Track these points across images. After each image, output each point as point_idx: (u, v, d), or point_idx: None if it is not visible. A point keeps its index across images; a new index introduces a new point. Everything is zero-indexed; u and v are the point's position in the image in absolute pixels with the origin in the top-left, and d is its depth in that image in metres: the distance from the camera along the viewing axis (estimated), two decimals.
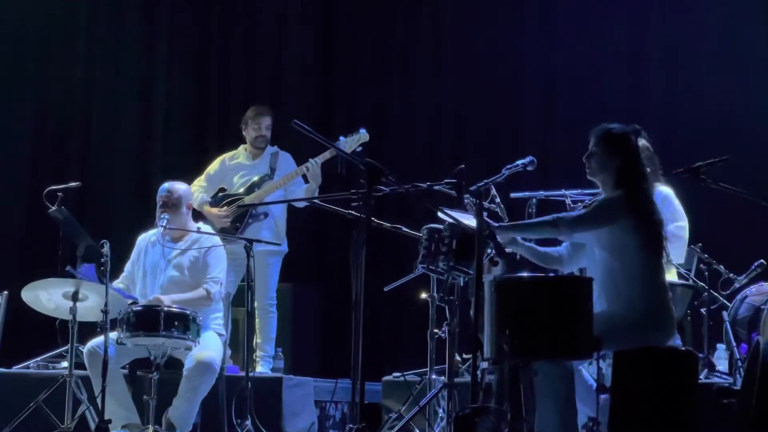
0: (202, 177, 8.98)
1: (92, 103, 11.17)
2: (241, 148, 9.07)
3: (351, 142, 8.41)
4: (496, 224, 6.06)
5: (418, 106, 10.54)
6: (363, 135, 8.50)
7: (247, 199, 8.70)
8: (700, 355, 7.32)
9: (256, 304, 8.66)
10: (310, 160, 8.61)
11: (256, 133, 8.95)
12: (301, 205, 8.78)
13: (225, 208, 8.75)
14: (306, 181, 8.72)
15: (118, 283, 7.81)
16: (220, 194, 8.88)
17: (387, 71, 10.72)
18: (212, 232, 8.02)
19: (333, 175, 8.47)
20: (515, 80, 10.36)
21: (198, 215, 8.19)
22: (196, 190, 8.80)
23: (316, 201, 7.96)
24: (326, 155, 8.55)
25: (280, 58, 10.97)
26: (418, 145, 10.43)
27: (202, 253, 7.74)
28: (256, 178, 8.86)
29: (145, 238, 7.93)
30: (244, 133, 9.03)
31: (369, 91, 10.69)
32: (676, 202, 7.54)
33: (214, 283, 7.68)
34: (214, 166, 9.03)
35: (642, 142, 6.29)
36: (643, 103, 9.82)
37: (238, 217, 8.72)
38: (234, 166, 8.99)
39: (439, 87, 10.51)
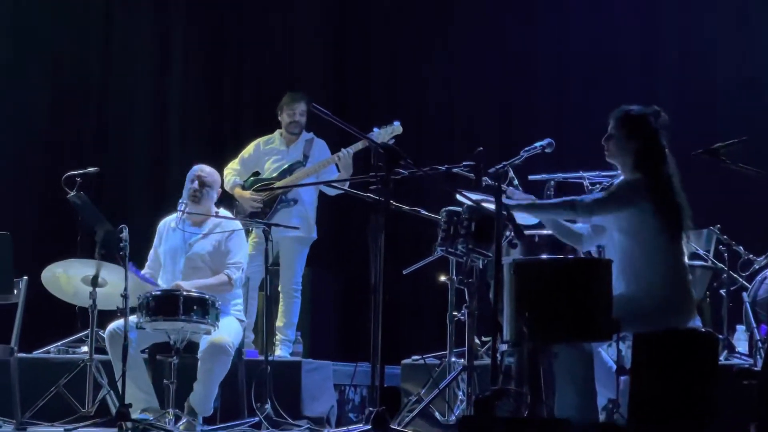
0: (236, 160, 8.98)
1: (108, 89, 11.18)
2: (277, 133, 9.05)
3: (384, 134, 8.34)
4: (515, 201, 6.05)
5: (432, 90, 10.52)
6: (397, 127, 8.43)
7: (279, 184, 8.69)
8: (720, 336, 7.32)
9: (280, 288, 8.71)
10: (343, 149, 8.58)
11: (290, 119, 8.93)
12: (332, 193, 8.76)
13: (257, 193, 8.74)
14: (339, 169, 8.70)
15: (145, 271, 7.83)
16: (252, 178, 8.88)
17: (401, 55, 10.70)
18: (231, 216, 8.03)
19: (358, 160, 8.48)
20: (530, 62, 10.34)
21: (221, 199, 8.20)
22: (228, 173, 8.83)
23: (335, 185, 7.98)
24: (359, 145, 8.51)
25: (294, 41, 10.95)
26: (433, 129, 10.42)
27: (223, 238, 7.76)
28: (288, 164, 8.85)
29: (166, 222, 7.94)
30: (279, 118, 9.01)
31: (383, 75, 10.68)
32: None
33: (236, 269, 7.70)
34: (248, 150, 9.02)
35: None
36: (659, 83, 9.79)
37: (268, 202, 8.72)
38: (268, 151, 8.97)
39: (454, 70, 10.49)
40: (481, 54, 10.43)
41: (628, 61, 9.97)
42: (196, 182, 7.78)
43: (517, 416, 5.40)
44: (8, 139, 10.95)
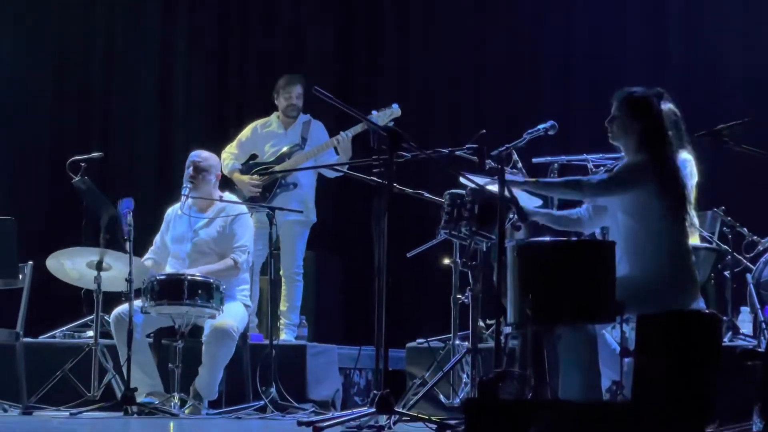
0: (234, 144, 8.96)
1: (113, 74, 11.18)
2: (274, 115, 9.04)
3: (383, 117, 8.31)
4: (521, 179, 6.04)
5: (437, 72, 10.51)
6: (395, 110, 8.41)
7: (278, 168, 8.68)
8: (724, 318, 7.31)
9: (282, 273, 8.71)
10: (341, 133, 8.58)
11: (287, 102, 8.93)
12: (331, 175, 8.77)
13: (256, 176, 8.74)
14: (337, 153, 8.70)
15: (147, 257, 7.84)
16: (251, 162, 8.87)
17: (406, 37, 10.69)
18: (236, 200, 8.04)
19: (356, 143, 8.48)
20: (535, 44, 10.32)
21: (224, 184, 8.21)
22: (226, 157, 8.81)
23: (338, 168, 7.97)
24: (358, 129, 8.50)
25: (300, 24, 10.94)
26: (438, 111, 10.41)
27: (228, 222, 7.76)
28: (286, 148, 8.84)
29: (174, 210, 7.95)
30: (276, 101, 9.01)
31: (389, 58, 10.66)
32: (689, 168, 7.39)
33: (241, 252, 7.71)
34: (245, 133, 9.00)
35: (668, 106, 6.25)
36: (664, 66, 9.77)
37: (267, 187, 8.72)
38: (266, 134, 8.96)
39: (459, 52, 10.47)
40: (485, 36, 10.42)
41: (633, 43, 9.95)
42: (191, 168, 7.78)
43: (521, 398, 5.41)
44: (13, 124, 10.96)
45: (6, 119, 10.94)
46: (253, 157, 8.90)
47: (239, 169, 8.82)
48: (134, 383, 7.12)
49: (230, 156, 8.85)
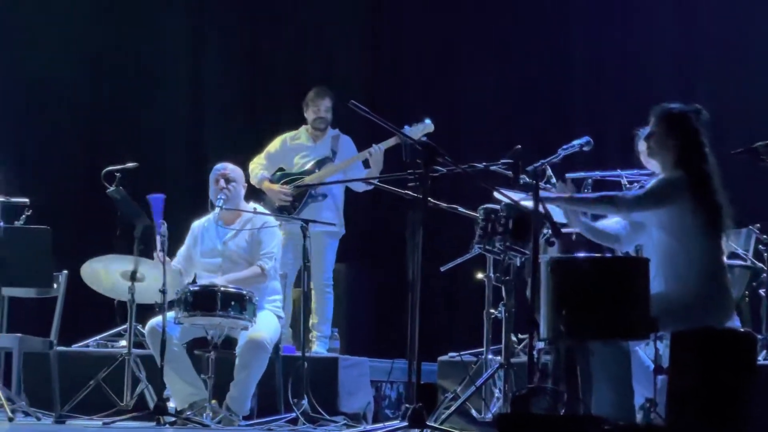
0: (262, 155, 9.01)
1: (147, 84, 11.22)
2: (303, 128, 9.08)
3: (416, 132, 8.35)
4: (555, 195, 6.03)
5: (470, 87, 10.51)
6: (428, 125, 8.45)
7: (308, 179, 8.72)
8: (759, 336, 7.27)
9: (312, 285, 8.72)
10: (374, 146, 8.61)
11: (315, 114, 8.97)
12: (360, 189, 8.79)
13: (286, 185, 8.78)
14: (366, 166, 8.72)
15: (176, 263, 7.86)
16: (279, 173, 8.90)
17: (438, 51, 10.69)
18: (267, 212, 8.08)
19: (390, 156, 8.50)
20: (568, 59, 10.31)
21: (250, 194, 8.22)
22: (255, 167, 8.88)
23: (373, 181, 7.99)
24: (390, 142, 8.53)
25: (330, 38, 10.96)
26: (471, 126, 10.40)
27: (255, 231, 7.78)
28: (316, 160, 8.88)
29: (200, 224, 7.97)
30: (305, 114, 9.05)
31: (419, 71, 10.67)
32: None
33: (268, 259, 7.73)
34: (274, 145, 9.05)
35: None
36: (696, 81, 9.74)
37: (297, 197, 8.75)
38: (295, 147, 9.00)
39: (492, 67, 10.46)
40: (519, 51, 10.41)
41: (667, 59, 9.92)
42: (222, 180, 7.81)
43: (553, 414, 5.40)
44: (48, 134, 11.03)
45: (42, 129, 11.00)
46: (281, 169, 8.93)
47: (268, 178, 8.86)
48: (176, 393, 7.18)
49: (259, 166, 8.90)
